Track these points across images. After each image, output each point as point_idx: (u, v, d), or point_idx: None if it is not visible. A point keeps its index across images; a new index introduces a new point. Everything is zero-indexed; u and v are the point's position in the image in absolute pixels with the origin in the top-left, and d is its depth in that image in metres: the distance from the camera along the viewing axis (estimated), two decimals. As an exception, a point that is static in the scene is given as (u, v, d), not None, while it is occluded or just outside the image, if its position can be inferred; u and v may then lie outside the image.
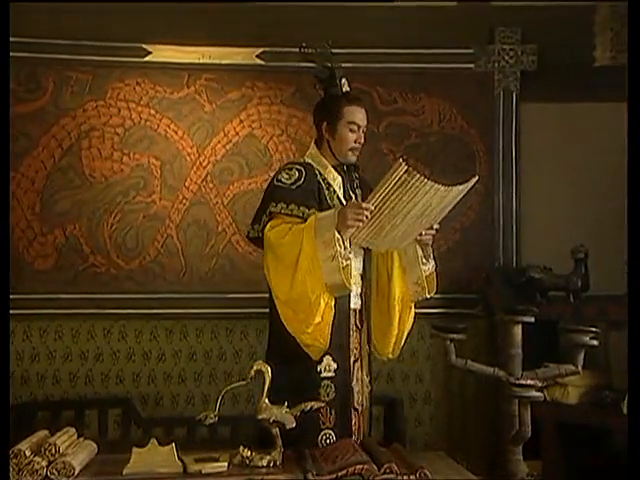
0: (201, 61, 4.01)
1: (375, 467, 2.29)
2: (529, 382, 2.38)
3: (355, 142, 2.75)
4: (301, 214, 2.62)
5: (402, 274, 2.75)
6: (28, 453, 2.21)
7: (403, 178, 2.38)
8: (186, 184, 4.03)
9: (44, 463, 2.20)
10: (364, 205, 2.49)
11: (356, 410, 2.74)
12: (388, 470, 2.27)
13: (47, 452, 2.24)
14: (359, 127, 2.75)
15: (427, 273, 2.77)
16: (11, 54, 3.81)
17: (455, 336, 2.59)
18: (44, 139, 3.93)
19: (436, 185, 2.41)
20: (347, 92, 2.82)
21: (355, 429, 2.72)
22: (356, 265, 2.72)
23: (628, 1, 2.61)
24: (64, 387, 3.92)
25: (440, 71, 4.09)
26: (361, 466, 2.27)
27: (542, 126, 4.13)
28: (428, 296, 2.80)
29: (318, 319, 2.57)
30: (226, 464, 2.35)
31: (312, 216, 2.59)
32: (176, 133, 4.04)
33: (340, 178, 2.78)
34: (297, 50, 3.92)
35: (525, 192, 4.12)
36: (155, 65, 4.00)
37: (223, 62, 4.02)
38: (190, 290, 3.99)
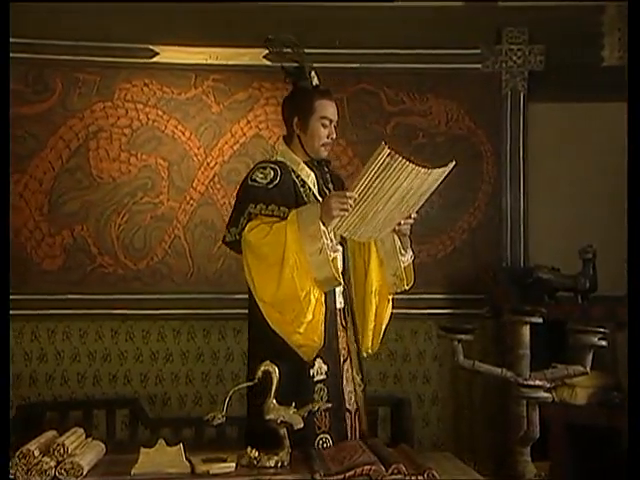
0: (208, 62, 4.02)
1: (383, 468, 2.28)
2: (537, 383, 2.37)
3: (327, 137, 2.69)
4: (282, 214, 2.55)
5: (379, 266, 2.69)
6: (37, 453, 2.21)
7: (386, 162, 2.34)
8: (193, 185, 4.03)
9: (53, 463, 2.20)
10: (348, 194, 2.44)
11: (349, 411, 2.70)
12: (396, 471, 2.26)
13: (56, 452, 2.24)
14: (331, 121, 2.69)
15: (405, 264, 2.71)
16: (19, 55, 3.88)
17: (463, 337, 2.58)
18: (52, 140, 3.95)
19: (417, 168, 2.38)
20: (317, 86, 2.76)
21: (350, 431, 2.68)
22: (341, 264, 2.68)
23: (628, 1, 2.61)
24: (72, 387, 3.94)
25: (447, 71, 4.09)
26: (369, 467, 2.26)
27: (550, 126, 4.12)
28: (407, 287, 2.75)
29: (310, 317, 2.51)
30: (234, 465, 2.35)
31: (292, 211, 2.53)
32: (183, 134, 4.05)
33: (313, 174, 2.71)
34: (305, 51, 3.98)
35: (532, 192, 4.12)
36: (162, 66, 4.01)
37: (230, 63, 4.03)
38: (197, 291, 4.00)
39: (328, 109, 2.71)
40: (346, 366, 2.71)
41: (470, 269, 4.05)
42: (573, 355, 2.61)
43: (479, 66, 4.11)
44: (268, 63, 3.98)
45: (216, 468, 2.31)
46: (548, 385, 2.42)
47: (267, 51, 4.00)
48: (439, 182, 2.50)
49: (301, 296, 2.49)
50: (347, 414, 2.70)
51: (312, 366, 2.63)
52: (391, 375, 4.07)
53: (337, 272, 2.51)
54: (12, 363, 3.88)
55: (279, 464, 2.39)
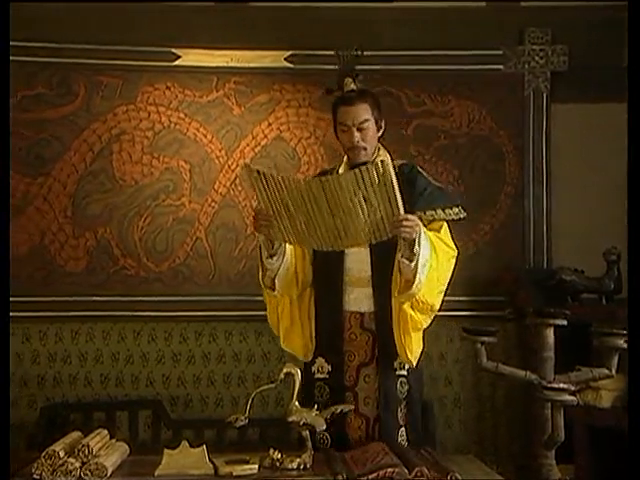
0: (230, 64, 4.03)
1: (406, 470, 2.28)
2: (562, 386, 2.35)
3: (352, 142, 2.71)
4: None
5: (397, 273, 2.61)
6: (62, 454, 2.24)
7: (252, 177, 2.49)
8: (215, 187, 4.05)
9: (77, 464, 2.22)
10: (256, 209, 2.59)
11: (362, 416, 2.69)
12: (419, 473, 2.26)
13: (80, 453, 2.26)
14: (350, 127, 2.70)
15: (411, 269, 2.53)
16: (43, 60, 3.93)
17: (486, 339, 2.56)
18: (76, 143, 3.98)
19: (289, 178, 2.49)
20: (342, 92, 2.78)
21: (358, 435, 2.69)
22: (360, 266, 2.70)
23: (628, 1, 2.60)
24: (95, 389, 3.96)
25: (469, 72, 4.06)
26: (392, 469, 2.26)
27: (573, 127, 4.09)
28: (414, 293, 2.58)
29: (286, 323, 2.74)
30: (256, 466, 2.36)
31: None
32: (205, 136, 4.06)
33: None
34: (326, 53, 3.97)
35: (555, 193, 4.09)
36: (184, 69, 4.02)
37: (252, 65, 4.04)
38: (219, 292, 4.01)
39: (343, 115, 2.73)
40: (364, 370, 2.71)
41: (492, 271, 4.02)
42: (598, 358, 2.59)
43: (501, 67, 4.08)
44: (290, 65, 3.99)
45: (239, 470, 2.31)
46: (573, 388, 2.40)
47: (288, 53, 4.02)
48: (369, 182, 2.41)
49: (272, 304, 2.75)
50: (359, 418, 2.70)
51: (313, 364, 2.74)
52: (413, 377, 4.05)
53: (264, 280, 2.70)
54: (37, 364, 3.92)
55: (301, 466, 2.40)
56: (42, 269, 3.94)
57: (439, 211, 2.69)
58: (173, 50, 4.01)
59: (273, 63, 4.03)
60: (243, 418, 2.47)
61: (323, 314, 2.77)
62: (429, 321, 2.69)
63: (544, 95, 4.08)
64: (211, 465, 2.34)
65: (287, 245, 2.68)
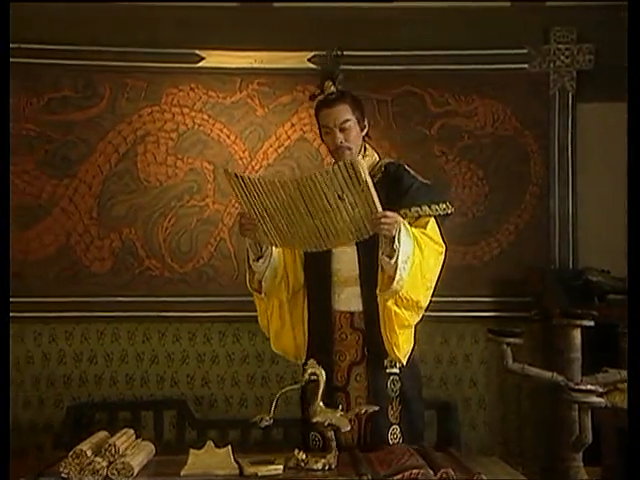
0: (253, 66, 4.05)
1: (431, 471, 2.27)
2: (589, 387, 2.33)
3: (334, 143, 2.70)
4: None
5: (381, 271, 2.59)
6: (89, 453, 2.25)
7: (231, 181, 2.49)
8: (239, 188, 4.05)
9: (104, 463, 2.23)
10: (240, 213, 2.62)
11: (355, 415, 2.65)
12: (445, 475, 2.24)
13: (107, 453, 2.27)
14: (331, 128, 2.69)
15: (391, 267, 2.51)
16: (69, 62, 3.96)
17: (512, 340, 2.55)
18: (101, 145, 4.01)
19: (270, 180, 2.47)
20: (320, 96, 2.77)
21: (351, 434, 2.65)
22: (348, 266, 2.69)
23: (628, 1, 2.57)
24: (120, 389, 3.99)
25: (493, 72, 4.05)
26: (417, 470, 2.25)
27: (599, 126, 4.06)
28: (394, 291, 2.55)
29: (276, 324, 2.78)
30: (281, 467, 2.36)
31: None
32: (229, 137, 4.08)
33: None
34: (350, 53, 3.96)
35: (581, 193, 4.05)
36: (208, 70, 4.04)
37: (275, 66, 4.05)
38: (243, 293, 3.96)
39: (324, 118, 2.73)
40: (355, 370, 2.71)
41: (517, 271, 4.00)
42: (625, 359, 2.56)
43: (526, 66, 4.06)
44: (312, 66, 3.99)
45: (264, 470, 2.31)
46: (600, 390, 2.37)
47: (311, 54, 4.02)
48: (349, 180, 2.40)
49: (261, 306, 2.79)
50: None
51: (305, 364, 2.67)
52: (437, 378, 4.04)
53: (252, 283, 2.72)
54: (63, 364, 3.96)
55: (326, 467, 2.39)
56: (68, 270, 3.97)
57: (424, 207, 2.67)
58: (197, 52, 4.03)
59: (296, 64, 4.04)
60: (268, 418, 2.47)
61: (315, 315, 2.77)
62: (417, 318, 2.64)
63: (569, 94, 4.05)
64: (236, 465, 2.34)
65: (274, 248, 2.69)
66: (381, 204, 2.45)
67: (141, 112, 4.03)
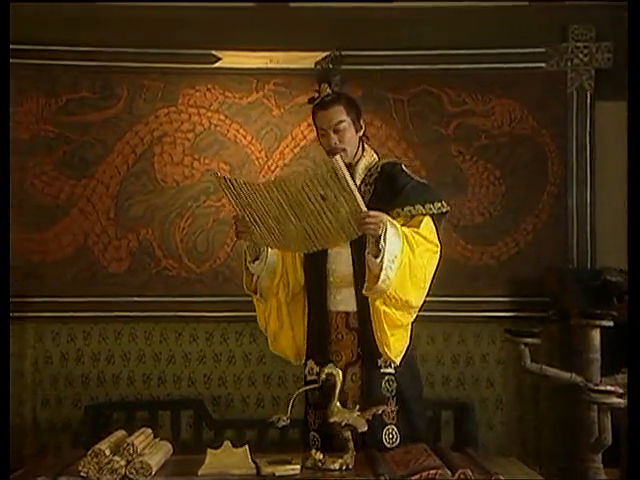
0: (269, 66, 4.05)
1: (449, 472, 2.26)
2: (609, 388, 2.31)
3: (329, 144, 2.73)
4: None
5: (367, 271, 2.59)
6: (108, 452, 2.26)
7: (224, 186, 2.51)
8: (255, 188, 4.06)
9: (123, 462, 2.25)
10: (234, 216, 2.64)
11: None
12: (462, 475, 2.24)
13: (125, 452, 2.29)
14: (326, 130, 2.73)
15: (376, 267, 2.51)
16: (86, 64, 3.99)
17: (530, 340, 2.54)
18: (118, 145, 4.03)
19: (255, 182, 2.51)
20: (315, 98, 2.81)
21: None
22: (343, 267, 2.70)
23: (628, 1, 2.55)
24: (138, 388, 4.01)
25: (511, 71, 4.02)
26: (435, 471, 2.25)
27: (617, 125, 4.01)
28: (381, 291, 2.55)
29: (273, 325, 2.80)
30: (299, 467, 2.36)
31: None
32: (245, 138, 4.09)
33: None
34: (366, 53, 3.97)
35: (599, 193, 4.03)
36: (224, 71, 4.05)
37: (291, 67, 4.05)
38: (259, 293, 4.02)
39: (319, 119, 2.77)
40: (351, 370, 2.71)
41: (535, 271, 3.98)
42: (645, 360, 2.53)
43: (544, 65, 4.03)
44: (329, 66, 3.97)
45: (281, 470, 2.32)
46: (620, 390, 2.36)
47: (327, 54, 4.01)
48: (332, 180, 2.41)
49: (260, 306, 2.81)
50: None
51: (305, 366, 2.80)
52: (454, 379, 4.03)
53: (248, 284, 2.76)
54: (81, 364, 3.98)
55: (344, 467, 2.40)
56: (86, 270, 3.99)
57: (418, 206, 2.66)
58: (213, 52, 4.04)
59: (312, 64, 4.02)
60: (285, 418, 2.48)
61: (313, 316, 2.79)
62: (410, 317, 2.64)
63: (588, 93, 4.02)
64: (254, 465, 2.35)
65: (270, 250, 2.71)
66: (365, 204, 2.47)
67: (158, 113, 4.05)
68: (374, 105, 4.03)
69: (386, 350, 2.60)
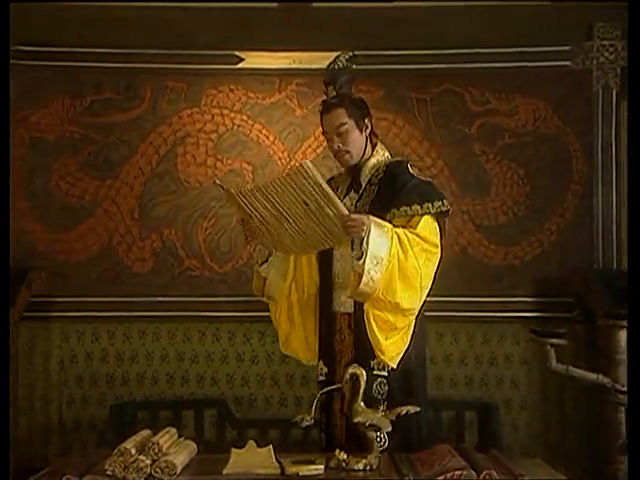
0: (292, 66, 4.05)
1: (473, 473, 2.25)
2: (636, 389, 2.29)
3: (332, 148, 2.76)
4: None
5: (353, 273, 2.59)
6: (133, 451, 2.28)
7: (224, 195, 2.60)
8: (278, 188, 4.06)
9: (148, 461, 2.26)
10: (241, 219, 2.69)
11: (345, 416, 2.63)
12: (487, 476, 2.23)
13: (151, 451, 2.30)
14: (329, 133, 2.76)
15: (358, 268, 2.52)
16: (111, 65, 4.02)
17: (555, 341, 2.52)
18: (142, 146, 4.05)
19: (245, 189, 2.56)
20: (325, 101, 2.83)
21: (342, 435, 2.70)
22: (347, 269, 2.68)
23: (628, 1, 2.52)
24: (162, 388, 4.02)
25: (535, 69, 3.99)
26: (460, 472, 2.24)
27: (643, 124, 3.98)
28: (363, 293, 2.55)
29: (284, 326, 2.82)
30: (323, 467, 2.36)
31: None
32: (268, 138, 4.09)
33: (350, 180, 2.84)
34: (389, 53, 3.96)
35: (625, 192, 3.97)
36: (247, 71, 4.06)
37: (314, 67, 4.03)
38: (282, 293, 4.02)
39: (324, 123, 2.80)
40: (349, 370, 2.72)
41: (559, 271, 3.95)
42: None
43: (569, 63, 4.00)
44: (352, 66, 3.97)
45: (305, 470, 2.32)
46: (648, 392, 2.33)
47: (350, 54, 4.00)
48: (311, 182, 2.43)
49: (271, 308, 2.84)
50: (339, 417, 2.72)
51: (317, 367, 2.82)
52: (477, 379, 4.00)
53: (257, 286, 2.83)
54: (106, 363, 4.01)
55: (368, 467, 2.39)
56: (110, 270, 4.02)
57: (415, 206, 2.64)
58: (236, 53, 4.04)
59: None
60: (309, 418, 2.48)
61: (322, 317, 2.81)
62: (405, 320, 2.60)
63: (613, 91, 3.98)
64: (278, 465, 2.35)
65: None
66: (345, 206, 2.51)
67: (181, 113, 4.07)
68: (396, 105, 4.03)
69: (379, 353, 2.58)
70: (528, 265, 4.00)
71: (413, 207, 2.65)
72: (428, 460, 2.38)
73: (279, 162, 4.08)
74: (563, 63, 4.00)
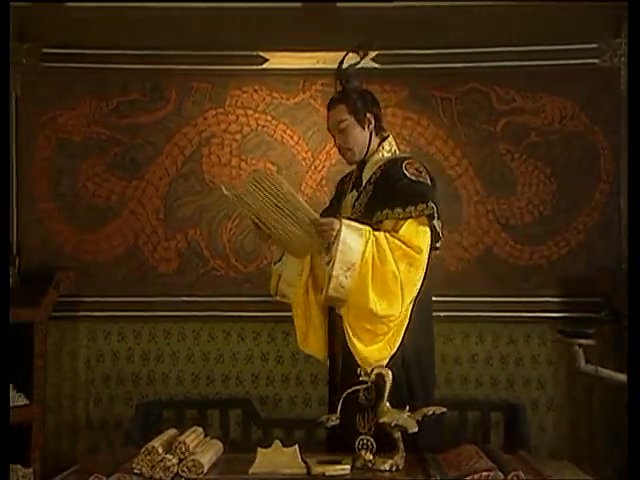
0: (316, 66, 4.05)
1: (501, 474, 2.24)
2: (667, 390, 2.26)
3: (336, 145, 2.79)
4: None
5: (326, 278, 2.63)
6: (160, 450, 2.29)
7: (233, 200, 2.67)
8: (302, 188, 4.07)
9: (175, 460, 2.27)
10: (252, 220, 2.71)
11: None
12: (515, 478, 2.22)
13: (178, 450, 2.32)
14: (332, 131, 2.79)
15: (329, 270, 2.53)
16: (137, 67, 4.04)
17: (583, 341, 2.50)
18: (167, 147, 4.07)
19: (232, 191, 2.63)
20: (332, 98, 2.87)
21: (335, 438, 2.72)
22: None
23: (628, 1, 2.48)
24: (187, 387, 4.04)
25: (562, 67, 3.95)
26: (487, 473, 2.23)
27: (672, 121, 3.93)
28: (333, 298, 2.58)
29: (299, 323, 2.82)
30: (349, 467, 2.36)
31: None
32: (292, 138, 4.09)
33: (355, 179, 2.86)
34: (413, 52, 3.95)
35: (653, 191, 3.93)
36: (271, 72, 4.06)
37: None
38: (307, 293, 4.02)
39: (328, 121, 2.82)
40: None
41: (586, 271, 3.91)
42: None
43: (596, 61, 3.95)
44: (376, 65, 3.97)
45: (331, 470, 2.32)
46: (679, 393, 2.30)
47: (374, 53, 4.00)
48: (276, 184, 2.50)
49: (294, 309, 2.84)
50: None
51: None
52: (503, 380, 3.98)
53: (273, 287, 2.91)
54: (131, 363, 4.04)
55: (394, 468, 2.39)
56: (136, 270, 4.04)
57: (397, 209, 2.61)
58: (260, 53, 4.05)
59: (360, 64, 4.02)
60: (334, 418, 2.48)
61: (330, 318, 2.81)
62: (383, 327, 2.56)
63: (641, 89, 3.94)
64: (304, 465, 2.36)
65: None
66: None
67: (206, 114, 4.08)
68: (421, 104, 4.01)
69: (359, 360, 2.56)
70: (555, 265, 3.97)
71: (396, 210, 2.62)
72: (455, 461, 2.37)
73: (303, 162, 4.09)
74: (590, 61, 3.95)
